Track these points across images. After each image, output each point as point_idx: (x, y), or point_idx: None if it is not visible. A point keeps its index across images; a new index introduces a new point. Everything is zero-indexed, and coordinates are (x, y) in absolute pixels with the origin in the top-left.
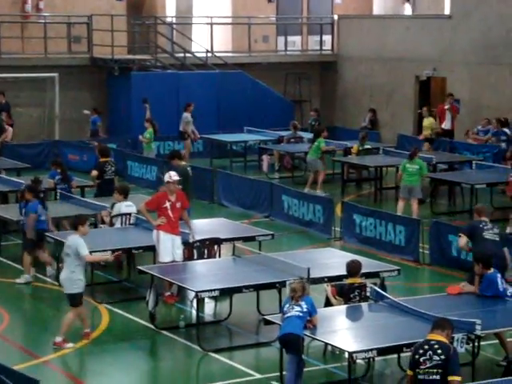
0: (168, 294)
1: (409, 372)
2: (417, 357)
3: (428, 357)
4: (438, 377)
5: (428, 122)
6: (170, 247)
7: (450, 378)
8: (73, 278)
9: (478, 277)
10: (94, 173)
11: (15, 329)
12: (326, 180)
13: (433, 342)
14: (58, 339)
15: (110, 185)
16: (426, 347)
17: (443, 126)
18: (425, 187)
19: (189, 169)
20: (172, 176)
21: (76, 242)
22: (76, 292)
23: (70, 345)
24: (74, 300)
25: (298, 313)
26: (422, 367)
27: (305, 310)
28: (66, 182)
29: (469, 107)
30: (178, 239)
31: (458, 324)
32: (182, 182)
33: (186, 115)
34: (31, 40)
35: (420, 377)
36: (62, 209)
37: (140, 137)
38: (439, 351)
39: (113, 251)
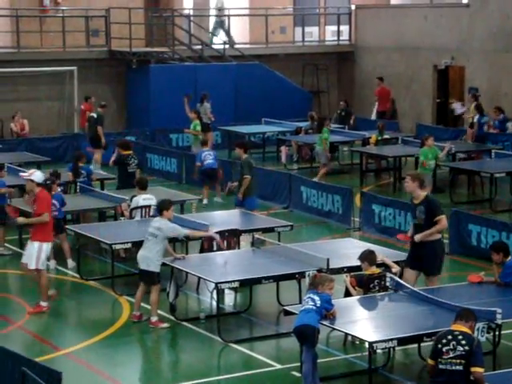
0: None
1: (430, 361)
2: (439, 346)
3: (451, 347)
4: (461, 367)
5: None
6: (27, 250)
7: (473, 370)
8: (151, 258)
9: (496, 266)
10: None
11: (37, 321)
12: (345, 171)
13: (457, 333)
14: (154, 319)
15: (132, 178)
16: (450, 337)
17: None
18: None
19: (252, 160)
20: (31, 173)
21: (168, 225)
22: (153, 270)
23: (166, 324)
24: (151, 278)
25: (312, 306)
26: (444, 357)
27: (318, 304)
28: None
29: (487, 96)
30: (31, 245)
31: (479, 313)
32: (247, 173)
33: (207, 105)
34: (49, 34)
35: (442, 366)
36: (82, 202)
37: (186, 130)
38: (463, 342)
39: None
